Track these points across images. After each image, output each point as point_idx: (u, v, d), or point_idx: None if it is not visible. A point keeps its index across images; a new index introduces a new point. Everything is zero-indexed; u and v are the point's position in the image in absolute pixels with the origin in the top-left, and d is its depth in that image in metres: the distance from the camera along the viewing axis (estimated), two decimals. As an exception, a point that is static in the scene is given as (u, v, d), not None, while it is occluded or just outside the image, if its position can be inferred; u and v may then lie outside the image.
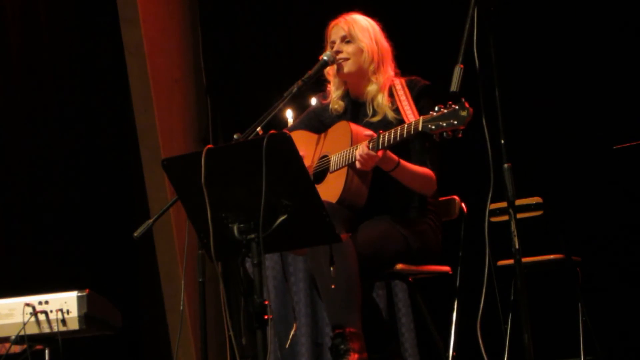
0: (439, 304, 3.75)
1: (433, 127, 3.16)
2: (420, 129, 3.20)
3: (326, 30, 3.71)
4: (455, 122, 3.11)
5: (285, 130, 3.48)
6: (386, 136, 3.32)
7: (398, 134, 3.29)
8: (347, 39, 3.64)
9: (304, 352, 4.15)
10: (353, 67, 3.64)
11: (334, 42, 3.66)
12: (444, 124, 3.13)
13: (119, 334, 3.50)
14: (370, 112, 3.64)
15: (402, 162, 3.43)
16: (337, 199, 3.44)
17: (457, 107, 3.11)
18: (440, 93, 3.49)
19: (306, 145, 3.73)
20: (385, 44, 3.68)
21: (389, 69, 3.67)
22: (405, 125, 3.28)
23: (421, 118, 3.22)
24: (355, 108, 3.71)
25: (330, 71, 3.71)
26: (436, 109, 3.16)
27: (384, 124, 3.54)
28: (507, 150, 2.83)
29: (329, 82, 3.78)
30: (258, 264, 2.79)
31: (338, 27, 3.67)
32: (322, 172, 3.62)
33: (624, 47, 4.85)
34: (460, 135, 3.14)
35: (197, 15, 5.96)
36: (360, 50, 3.62)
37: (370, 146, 3.34)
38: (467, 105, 3.08)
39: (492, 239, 2.88)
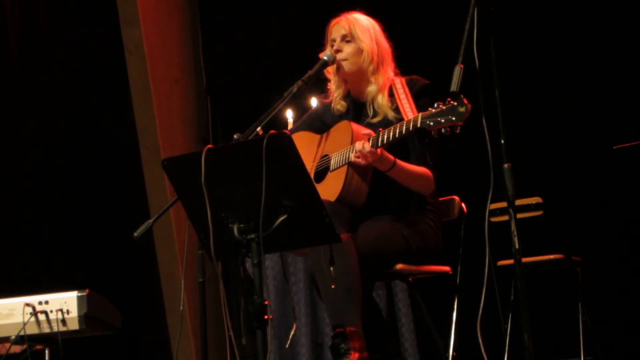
0: (439, 304, 3.75)
1: (431, 123, 3.17)
2: (419, 125, 3.22)
3: (327, 28, 3.71)
4: (453, 118, 3.13)
5: (285, 130, 3.48)
6: (385, 133, 3.33)
7: (397, 130, 3.30)
8: (347, 38, 3.64)
9: (304, 352, 4.15)
10: (353, 68, 3.64)
11: (334, 40, 3.66)
12: (442, 120, 3.14)
13: (119, 334, 3.50)
14: (370, 113, 3.64)
15: (399, 162, 3.44)
16: (336, 197, 3.44)
17: (455, 104, 3.12)
18: (440, 92, 3.50)
19: (308, 146, 3.73)
20: (385, 44, 3.68)
21: (389, 70, 3.67)
22: (405, 122, 3.29)
23: (420, 114, 3.23)
24: (357, 108, 3.71)
25: (330, 70, 3.71)
26: (435, 105, 3.18)
27: (385, 125, 3.54)
28: (507, 150, 2.83)
29: (329, 80, 3.78)
30: (258, 264, 2.79)
31: (339, 26, 3.66)
32: (323, 171, 3.62)
33: (624, 47, 4.85)
34: (458, 132, 3.15)
35: (197, 15, 5.96)
36: (359, 50, 3.62)
37: (370, 143, 3.35)
38: (465, 101, 3.09)
39: (492, 239, 2.88)
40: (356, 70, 3.64)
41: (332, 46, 3.66)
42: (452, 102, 3.13)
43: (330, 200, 3.41)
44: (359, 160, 3.38)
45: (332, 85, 3.76)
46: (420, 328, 4.08)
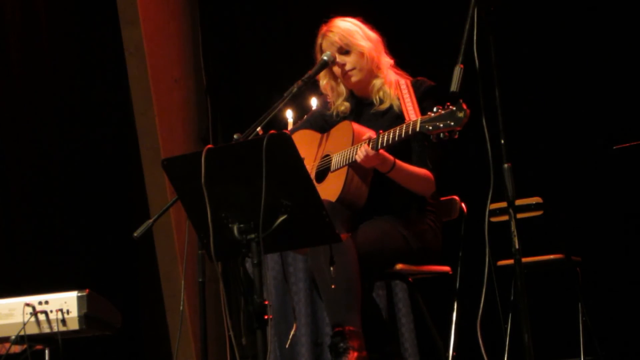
0: (439, 304, 3.75)
1: (430, 127, 3.17)
2: (417, 129, 3.22)
3: (316, 43, 3.69)
4: (452, 123, 3.12)
5: (285, 131, 3.49)
6: (385, 136, 3.33)
7: (397, 134, 3.30)
8: (344, 50, 3.64)
9: (304, 352, 4.15)
10: (361, 74, 3.65)
11: None
12: (441, 125, 3.14)
13: (119, 334, 3.50)
14: (377, 102, 3.65)
15: (398, 162, 3.44)
16: (336, 198, 3.44)
17: (454, 108, 3.12)
18: (445, 94, 3.50)
19: (309, 145, 3.73)
20: (373, 35, 3.69)
21: (386, 57, 3.68)
22: (404, 126, 3.30)
23: (419, 119, 3.23)
24: (360, 106, 3.72)
25: (327, 85, 3.72)
26: (434, 109, 3.18)
27: (390, 114, 3.57)
28: (507, 150, 2.83)
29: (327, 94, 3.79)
30: (258, 264, 2.79)
31: (329, 41, 3.65)
32: (323, 172, 3.62)
33: (624, 47, 4.85)
34: (456, 137, 3.14)
35: (197, 15, 5.96)
36: (361, 55, 3.63)
37: (370, 146, 3.35)
38: (464, 106, 3.09)
39: (492, 239, 2.88)
40: (365, 74, 3.65)
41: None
42: (451, 107, 3.13)
43: (331, 201, 3.41)
44: (362, 162, 3.38)
45: (331, 98, 3.76)
46: (420, 328, 4.07)
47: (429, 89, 3.60)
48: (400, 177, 3.47)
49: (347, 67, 3.63)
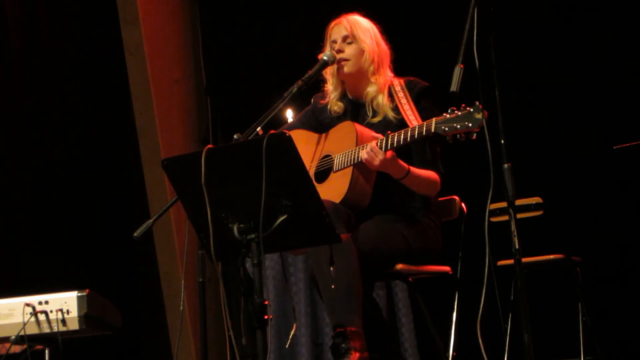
0: (439, 304, 3.75)
1: (446, 129, 3.14)
2: (433, 130, 3.19)
3: (327, 29, 3.70)
4: (470, 125, 3.10)
5: (284, 130, 3.48)
6: (395, 137, 3.31)
7: (409, 135, 3.28)
8: (348, 39, 3.64)
9: (304, 352, 4.15)
10: (353, 68, 3.63)
11: (334, 42, 3.65)
12: (458, 126, 3.11)
13: (119, 334, 3.50)
14: (370, 113, 3.63)
15: (412, 169, 3.43)
16: (341, 199, 3.43)
17: (471, 110, 3.09)
18: (439, 94, 3.50)
19: (306, 145, 3.72)
20: (384, 46, 3.68)
21: (388, 71, 3.67)
22: (417, 127, 3.27)
23: (434, 120, 3.19)
24: (355, 109, 3.71)
25: (328, 70, 3.71)
26: (449, 110, 3.15)
27: (385, 125, 3.54)
28: (507, 150, 2.83)
29: (326, 81, 3.77)
30: (258, 264, 2.79)
31: (340, 27, 3.66)
32: (324, 172, 3.61)
33: (624, 47, 4.85)
34: (474, 138, 3.12)
35: (197, 15, 5.96)
36: (361, 51, 3.62)
37: (378, 146, 3.34)
38: (481, 107, 3.07)
39: (492, 239, 2.88)
40: (357, 70, 3.64)
41: (333, 47, 3.65)
42: (468, 108, 3.11)
43: (334, 201, 3.40)
44: (369, 158, 3.35)
45: (329, 86, 3.75)
46: (420, 328, 4.08)
47: (424, 90, 3.59)
48: (412, 183, 3.46)
49: (343, 56, 3.62)
